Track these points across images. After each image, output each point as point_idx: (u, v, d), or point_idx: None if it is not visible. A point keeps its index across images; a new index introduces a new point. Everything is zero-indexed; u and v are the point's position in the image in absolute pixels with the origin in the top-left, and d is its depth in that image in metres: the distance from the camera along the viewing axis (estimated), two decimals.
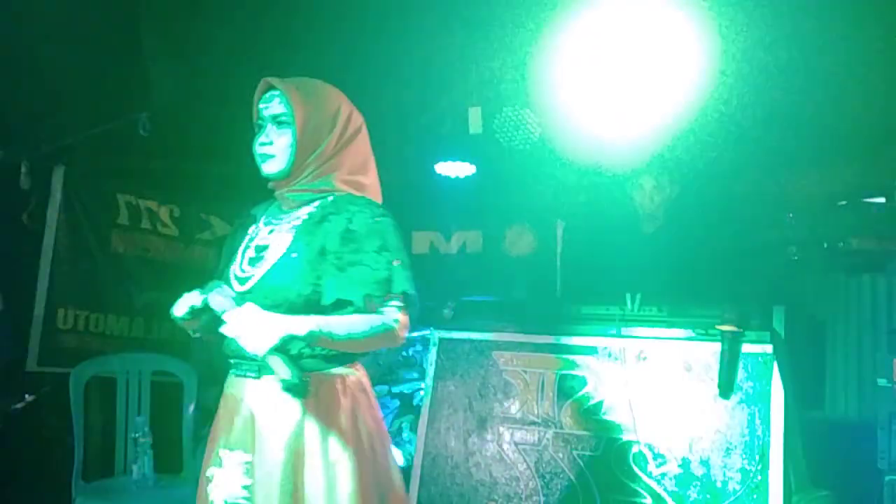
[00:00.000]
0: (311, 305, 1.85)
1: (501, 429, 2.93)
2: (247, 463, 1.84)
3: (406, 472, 3.28)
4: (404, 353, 4.02)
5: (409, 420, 3.84)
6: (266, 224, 2.02)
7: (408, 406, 3.92)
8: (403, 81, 3.80)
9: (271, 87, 1.94)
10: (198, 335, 1.98)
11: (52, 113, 3.63)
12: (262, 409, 1.86)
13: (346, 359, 1.94)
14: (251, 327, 1.74)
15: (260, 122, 1.96)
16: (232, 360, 1.96)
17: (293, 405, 1.84)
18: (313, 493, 1.81)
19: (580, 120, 3.45)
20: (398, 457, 3.69)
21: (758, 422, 2.54)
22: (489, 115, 4.02)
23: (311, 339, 1.78)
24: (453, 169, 4.70)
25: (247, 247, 2.01)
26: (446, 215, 5.22)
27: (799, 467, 2.57)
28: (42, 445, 3.55)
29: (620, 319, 2.82)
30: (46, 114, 3.63)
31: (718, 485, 2.55)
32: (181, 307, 1.88)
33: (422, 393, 3.41)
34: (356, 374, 1.97)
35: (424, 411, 3.10)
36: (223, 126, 2.94)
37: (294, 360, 1.79)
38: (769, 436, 2.51)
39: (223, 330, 1.77)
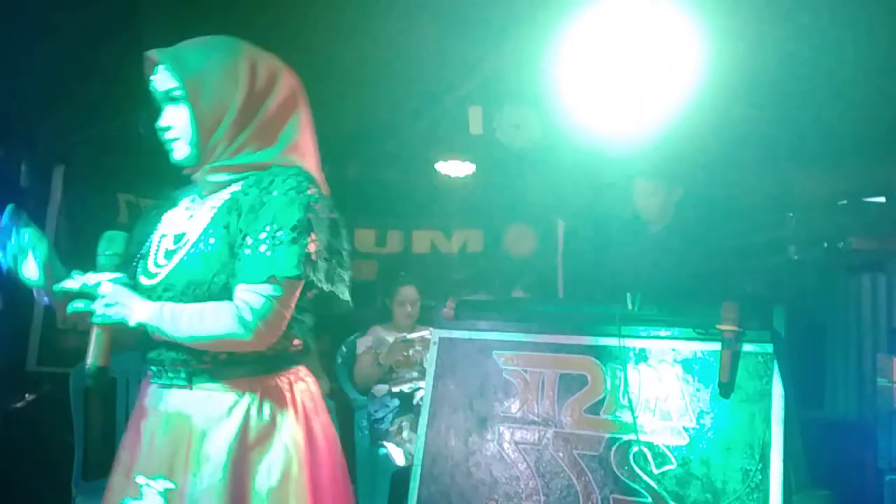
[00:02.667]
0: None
1: (502, 428, 2.93)
2: (168, 491, 1.55)
3: (406, 471, 3.28)
4: (404, 353, 4.03)
5: (409, 420, 3.84)
6: (187, 209, 1.75)
7: (408, 406, 3.92)
8: (404, 81, 3.79)
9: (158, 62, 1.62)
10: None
11: (52, 112, 3.63)
12: (195, 426, 1.57)
13: (283, 362, 1.65)
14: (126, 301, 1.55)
15: (157, 102, 1.67)
16: (153, 368, 1.67)
17: (232, 420, 1.56)
18: None
19: (581, 120, 3.45)
20: (398, 457, 3.69)
21: (758, 422, 2.54)
22: (489, 114, 4.02)
23: (149, 329, 1.56)
24: (453, 169, 4.71)
25: (163, 235, 1.72)
26: (447, 215, 5.23)
27: (799, 467, 2.56)
28: (42, 445, 3.54)
29: (620, 319, 2.81)
30: (46, 113, 3.63)
31: (718, 485, 2.55)
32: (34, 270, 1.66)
33: (422, 392, 3.40)
34: (304, 383, 1.69)
35: (424, 411, 3.09)
36: None
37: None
38: (769, 436, 2.50)
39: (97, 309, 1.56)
